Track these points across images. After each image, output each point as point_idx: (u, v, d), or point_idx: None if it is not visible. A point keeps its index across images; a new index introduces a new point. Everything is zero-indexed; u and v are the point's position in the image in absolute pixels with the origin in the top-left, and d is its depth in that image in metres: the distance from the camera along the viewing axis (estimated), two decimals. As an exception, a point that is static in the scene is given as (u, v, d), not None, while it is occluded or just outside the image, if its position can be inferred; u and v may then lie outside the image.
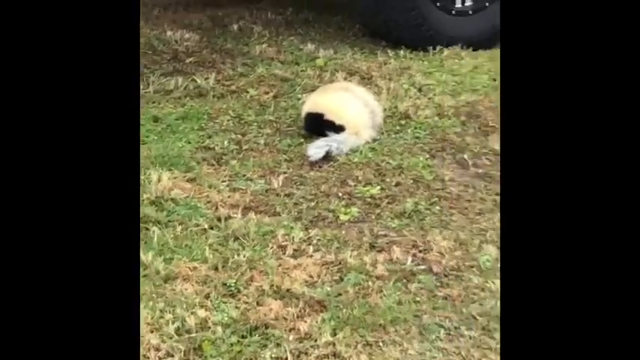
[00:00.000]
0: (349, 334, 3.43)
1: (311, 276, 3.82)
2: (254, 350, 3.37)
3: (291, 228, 4.19)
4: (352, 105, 5.21)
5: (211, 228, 4.20)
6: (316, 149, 4.92)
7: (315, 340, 3.41)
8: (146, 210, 4.32)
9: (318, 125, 5.07)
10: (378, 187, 4.60)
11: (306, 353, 3.36)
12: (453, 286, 3.76)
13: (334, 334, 3.44)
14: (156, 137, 5.21)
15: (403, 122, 5.39)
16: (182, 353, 3.34)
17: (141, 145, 5.10)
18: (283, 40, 6.80)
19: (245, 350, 3.36)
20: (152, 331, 3.45)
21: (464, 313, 3.59)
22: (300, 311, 3.57)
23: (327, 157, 4.88)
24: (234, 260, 3.91)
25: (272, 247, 4.04)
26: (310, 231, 4.18)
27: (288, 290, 3.71)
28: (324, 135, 5.01)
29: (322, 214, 4.36)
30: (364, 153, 4.98)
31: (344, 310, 3.57)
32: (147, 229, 4.19)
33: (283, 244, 4.07)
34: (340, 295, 3.69)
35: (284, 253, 4.00)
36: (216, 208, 4.38)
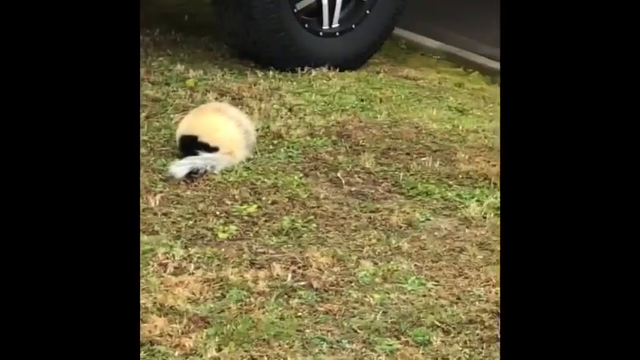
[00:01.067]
0: (234, 349, 3.51)
1: (193, 293, 3.87)
2: (141, 367, 3.40)
3: (171, 246, 4.25)
4: (226, 126, 5.29)
5: (91, 247, 4.21)
6: (178, 167, 4.99)
7: (201, 356, 3.48)
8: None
9: (193, 147, 5.13)
10: (255, 206, 4.68)
11: (192, 369, 3.41)
12: (333, 300, 3.87)
13: (219, 350, 3.51)
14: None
15: (276, 142, 5.49)
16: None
17: None
18: (152, 60, 6.82)
19: (132, 367, 3.39)
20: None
21: (345, 327, 3.70)
22: (184, 327, 3.63)
23: (193, 175, 4.94)
24: (116, 279, 3.93)
25: (153, 265, 4.08)
26: (190, 249, 4.24)
27: (171, 307, 3.76)
28: (199, 157, 5.09)
29: (201, 233, 4.42)
30: (239, 172, 5.05)
31: (228, 326, 3.64)
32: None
33: (164, 262, 4.12)
34: (223, 311, 3.76)
35: (165, 271, 4.05)
36: (95, 227, 4.39)
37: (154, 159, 5.21)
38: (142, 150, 5.31)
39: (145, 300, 3.80)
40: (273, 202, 4.74)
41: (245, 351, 3.51)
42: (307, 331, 3.66)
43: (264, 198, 4.77)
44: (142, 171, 5.04)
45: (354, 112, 5.98)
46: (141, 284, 3.90)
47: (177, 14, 7.89)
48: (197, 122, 5.30)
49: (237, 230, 4.45)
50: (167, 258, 4.14)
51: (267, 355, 3.50)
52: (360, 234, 4.46)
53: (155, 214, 4.58)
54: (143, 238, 4.31)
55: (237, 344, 3.53)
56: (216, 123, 5.29)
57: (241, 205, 4.70)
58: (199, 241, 4.34)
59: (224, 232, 4.42)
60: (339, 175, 5.09)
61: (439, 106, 6.19)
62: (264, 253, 4.25)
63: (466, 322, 3.71)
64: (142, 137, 5.47)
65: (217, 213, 4.60)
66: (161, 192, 4.81)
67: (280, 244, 4.32)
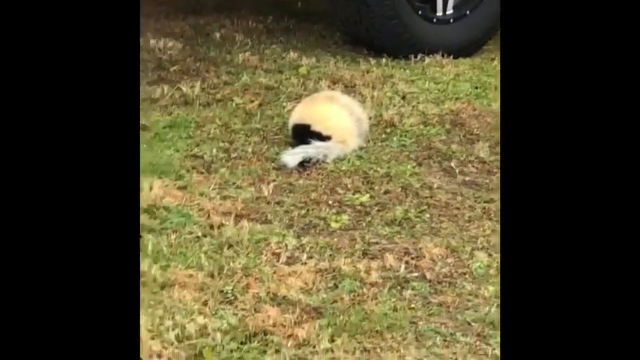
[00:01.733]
0: (347, 341, 3.49)
1: (306, 283, 3.87)
2: (254, 356, 3.42)
3: (284, 235, 4.25)
4: (338, 114, 5.27)
5: (205, 236, 4.24)
6: (291, 156, 4.99)
7: (314, 347, 3.47)
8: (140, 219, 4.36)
9: (306, 136, 5.13)
10: (368, 195, 4.66)
11: (305, 359, 3.40)
12: (446, 292, 3.83)
13: (332, 341, 3.49)
14: (145, 145, 5.23)
15: (388, 130, 5.45)
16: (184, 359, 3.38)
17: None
18: (265, 48, 6.84)
19: (245, 356, 3.41)
20: (153, 338, 3.49)
21: (459, 320, 3.65)
22: (297, 318, 3.63)
23: (306, 164, 4.94)
24: (230, 267, 3.96)
25: (266, 255, 4.09)
26: (302, 238, 4.23)
27: (284, 297, 3.76)
28: (312, 146, 5.09)
29: (313, 222, 4.41)
30: (352, 161, 5.03)
31: (340, 317, 3.62)
32: (140, 237, 4.22)
33: (277, 251, 4.12)
34: (336, 302, 3.75)
35: (278, 261, 4.05)
36: (209, 215, 4.42)
37: (266, 147, 5.22)
38: (255, 138, 5.34)
39: (258, 289, 3.81)
40: (386, 192, 4.71)
41: (358, 342, 3.50)
42: (420, 323, 3.63)
43: (376, 187, 4.75)
44: (254, 159, 5.07)
45: (468, 100, 5.91)
46: (254, 274, 3.92)
47: (291, 1, 7.90)
48: (309, 111, 5.29)
49: (349, 220, 4.43)
50: (280, 247, 4.14)
51: (379, 347, 3.47)
52: (474, 224, 4.40)
53: (268, 202, 4.59)
54: (256, 227, 4.32)
55: (350, 335, 3.52)
56: (328, 111, 5.28)
57: (354, 194, 4.68)
58: (312, 231, 4.33)
59: (336, 221, 4.41)
60: (452, 164, 5.04)
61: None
62: (376, 243, 4.22)
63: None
64: (256, 125, 5.50)
65: (330, 202, 4.59)
66: (274, 181, 4.82)
67: (393, 235, 4.29)
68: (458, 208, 4.58)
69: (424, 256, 4.08)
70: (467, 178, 4.91)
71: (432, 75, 6.35)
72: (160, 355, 3.40)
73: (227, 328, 3.56)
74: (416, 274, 3.96)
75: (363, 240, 4.24)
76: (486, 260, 4.03)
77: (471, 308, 3.73)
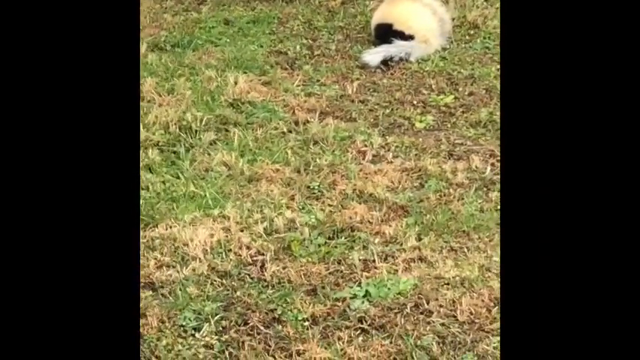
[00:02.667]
0: (434, 240, 3.48)
1: (392, 181, 3.85)
2: (341, 252, 3.42)
3: (369, 134, 4.22)
4: (421, 14, 5.20)
5: (290, 131, 4.24)
6: (372, 55, 4.94)
7: (401, 244, 3.46)
8: (225, 112, 4.36)
9: (388, 35, 5.07)
10: (452, 97, 4.61)
11: (392, 256, 3.41)
12: (532, 195, 3.78)
13: (419, 239, 3.49)
14: (228, 40, 5.22)
15: (472, 32, 5.37)
16: (272, 252, 3.40)
17: (214, 48, 5.13)
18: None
19: (333, 251, 3.42)
20: (242, 230, 3.51)
21: (545, 223, 3.62)
22: (384, 215, 3.62)
23: (389, 63, 4.89)
24: (316, 164, 3.95)
25: (351, 152, 4.07)
26: (388, 137, 4.21)
27: (370, 195, 3.75)
28: (394, 45, 5.03)
29: (398, 122, 4.38)
30: (435, 62, 4.98)
31: (427, 216, 3.61)
32: (227, 130, 4.23)
33: (362, 149, 4.10)
34: (422, 201, 3.73)
35: (364, 159, 4.03)
36: (294, 112, 4.41)
37: (349, 45, 5.18)
38: (338, 36, 5.29)
39: (344, 186, 3.80)
40: (470, 93, 4.65)
41: (445, 242, 3.49)
42: (507, 225, 3.59)
43: (460, 89, 4.69)
44: (338, 57, 5.03)
45: (552, 4, 5.78)
46: (340, 170, 3.91)
47: None
48: (392, 10, 5.22)
49: (434, 120, 4.40)
50: (365, 146, 4.13)
51: (466, 247, 3.46)
52: (560, 129, 4.34)
53: (352, 101, 4.57)
54: (341, 124, 4.31)
55: (436, 234, 3.51)
56: (411, 11, 5.20)
57: (438, 95, 4.64)
58: (397, 130, 4.31)
59: (421, 121, 4.38)
60: (537, 67, 4.96)
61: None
62: (462, 144, 4.19)
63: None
64: (338, 23, 5.45)
65: (414, 102, 4.55)
66: (358, 79, 4.79)
67: (478, 136, 4.25)
68: (543, 112, 4.51)
69: (510, 159, 4.03)
70: (551, 82, 4.83)
71: (515, -23, 6.21)
72: (249, 247, 3.42)
73: (315, 223, 3.56)
74: (502, 177, 3.92)
75: (449, 141, 4.21)
76: (573, 165, 3.98)
77: (557, 212, 3.69)
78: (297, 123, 4.30)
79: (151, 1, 5.79)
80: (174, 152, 4.08)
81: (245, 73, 4.75)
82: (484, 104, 4.54)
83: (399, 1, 5.33)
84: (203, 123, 4.25)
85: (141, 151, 3.98)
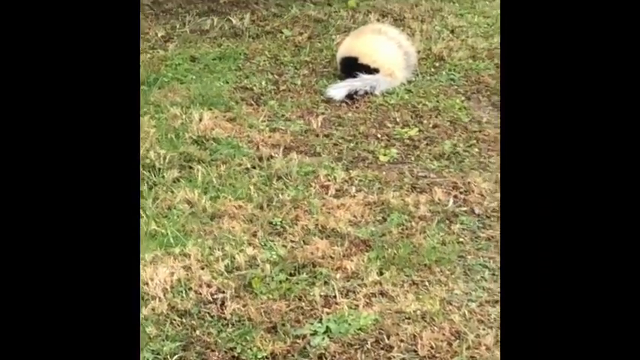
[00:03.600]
0: (395, 274, 3.46)
1: (355, 216, 3.83)
2: (303, 288, 3.40)
3: (333, 168, 4.21)
4: (386, 47, 5.20)
5: (254, 167, 4.22)
6: (337, 89, 4.94)
7: (362, 279, 3.44)
8: (189, 149, 4.34)
9: (354, 69, 5.06)
10: (416, 129, 4.60)
11: (354, 291, 3.38)
12: (495, 227, 3.77)
13: (381, 274, 3.46)
14: (194, 77, 5.21)
15: (437, 64, 5.37)
16: (233, 290, 3.37)
17: (180, 85, 5.11)
18: (315, -20, 6.75)
19: (294, 287, 3.39)
20: (202, 268, 3.48)
21: (507, 254, 3.59)
22: (346, 250, 3.60)
23: (354, 96, 4.89)
24: (279, 199, 3.93)
25: (315, 187, 4.05)
26: (351, 171, 4.19)
27: (333, 229, 3.73)
28: (360, 79, 5.03)
29: (362, 155, 4.37)
30: (400, 95, 4.97)
31: (389, 250, 3.59)
32: (190, 167, 4.21)
33: (326, 184, 4.08)
34: (384, 235, 3.71)
35: (327, 193, 4.01)
36: (258, 147, 4.39)
37: (315, 80, 5.17)
38: (304, 71, 5.29)
39: (306, 222, 3.78)
40: (435, 126, 4.65)
41: (406, 275, 3.46)
42: (469, 257, 3.58)
43: (425, 121, 4.69)
44: (303, 92, 5.02)
45: (517, 35, 5.79)
46: (303, 206, 3.89)
47: None
48: (357, 44, 5.21)
49: (398, 153, 4.38)
50: (329, 180, 4.11)
51: (428, 281, 3.44)
52: (523, 160, 4.33)
53: (317, 135, 4.55)
54: (305, 159, 4.29)
55: (398, 269, 3.49)
56: (376, 44, 5.21)
57: (402, 127, 4.63)
58: (360, 164, 4.29)
59: (385, 155, 4.36)
60: (501, 99, 4.96)
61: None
62: (425, 177, 4.17)
63: None
64: (305, 58, 5.45)
65: (378, 135, 4.54)
66: (323, 113, 4.78)
67: (442, 169, 4.24)
68: (507, 143, 4.50)
69: (473, 191, 4.03)
70: (516, 113, 4.83)
71: (480, 9, 6.25)
72: (209, 285, 3.39)
73: (276, 260, 3.54)
74: (464, 209, 3.91)
75: (412, 174, 4.19)
76: (535, 195, 3.97)
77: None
78: (260, 159, 4.28)
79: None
80: (137, 191, 4.05)
81: (210, 109, 4.74)
82: (448, 136, 4.53)
83: (364, 34, 5.34)
84: (167, 161, 4.22)
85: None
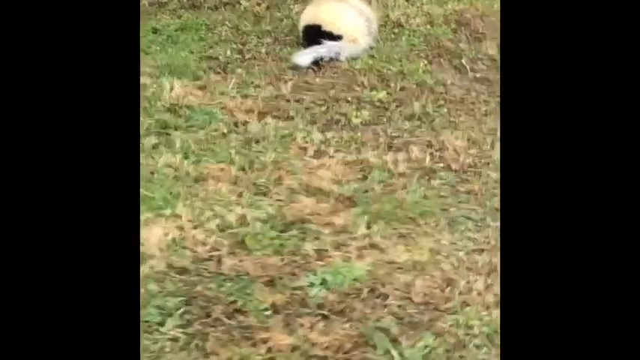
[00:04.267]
0: (383, 227, 3.56)
1: (336, 175, 3.92)
2: (295, 243, 3.48)
3: (308, 131, 4.29)
4: (348, 14, 5.29)
5: (230, 132, 4.28)
6: (303, 56, 5.02)
7: (352, 233, 3.53)
8: (164, 116, 4.39)
9: (317, 36, 5.14)
10: (384, 92, 4.70)
11: (345, 245, 3.47)
12: (472, 181, 3.89)
13: (369, 227, 3.56)
14: (158, 47, 5.25)
15: (396, 30, 5.48)
16: (227, 247, 3.44)
17: (145, 56, 5.15)
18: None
19: (286, 243, 3.47)
20: (195, 228, 3.54)
21: (487, 206, 3.72)
22: (332, 207, 3.68)
23: (319, 62, 4.97)
24: (260, 161, 4.01)
25: (293, 150, 4.13)
26: (327, 134, 4.28)
27: (317, 188, 3.81)
28: (323, 46, 5.11)
29: (335, 118, 4.46)
30: (364, 60, 5.07)
31: (374, 205, 3.69)
32: (167, 134, 4.26)
33: (303, 145, 4.17)
34: (367, 191, 3.81)
35: (305, 155, 4.10)
36: (232, 113, 4.46)
37: (279, 48, 5.25)
38: (267, 40, 5.35)
39: (290, 182, 3.86)
40: (402, 89, 4.75)
41: (394, 229, 3.56)
42: (452, 209, 3.70)
43: (392, 85, 4.79)
44: (269, 60, 5.09)
45: (470, 1, 5.93)
46: (284, 167, 3.97)
47: None
48: (320, 12, 5.30)
49: (370, 115, 4.48)
50: (306, 142, 4.19)
51: (415, 233, 3.54)
52: (491, 117, 4.46)
53: (288, 100, 4.63)
54: (280, 123, 4.36)
55: (385, 222, 3.58)
56: (338, 11, 5.30)
57: (371, 91, 4.72)
58: (335, 126, 4.38)
59: (357, 117, 4.46)
60: (463, 61, 5.08)
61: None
62: (399, 137, 4.28)
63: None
64: (266, 27, 5.51)
65: (349, 99, 4.64)
66: (291, 79, 4.85)
67: (414, 129, 4.35)
68: (473, 103, 4.63)
69: (447, 148, 4.14)
70: (478, 75, 4.96)
71: (432, -23, 6.35)
72: (204, 243, 3.45)
73: (265, 218, 3.61)
74: (441, 165, 4.02)
75: (386, 134, 4.29)
76: (509, 150, 4.09)
77: (497, 195, 3.80)
78: (236, 124, 4.35)
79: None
80: (118, 157, 4.09)
81: (179, 79, 4.79)
82: (416, 98, 4.64)
83: (326, 2, 5.42)
84: (144, 127, 4.27)
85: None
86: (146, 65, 5.00)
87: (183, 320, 3.10)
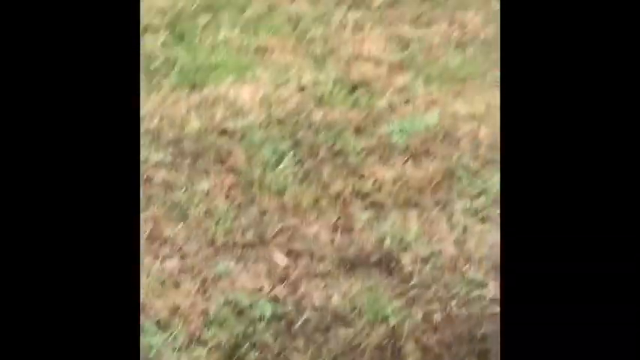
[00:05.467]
0: (439, 86, 4.09)
1: (380, 46, 4.41)
2: (366, 101, 3.97)
3: (343, 12, 4.75)
4: None
5: (272, 11, 4.69)
6: None
7: (413, 92, 4.04)
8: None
9: None
10: (393, -21, 5.16)
11: (410, 101, 3.99)
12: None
13: (426, 87, 4.06)
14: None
15: None
16: (312, 104, 3.90)
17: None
18: None
19: (360, 99, 3.96)
20: (276, 88, 3.98)
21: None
22: (388, 71, 4.19)
23: None
24: (311, 35, 4.46)
25: (334, 25, 4.58)
26: (355, 13, 4.75)
27: (368, 56, 4.30)
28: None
29: (356, 1, 4.92)
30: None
31: (425, 69, 4.20)
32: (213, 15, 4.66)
33: (343, 23, 4.61)
34: (414, 59, 4.30)
35: (345, 31, 4.56)
36: (265, -3, 4.85)
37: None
38: None
39: (342, 52, 4.32)
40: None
41: (448, 87, 4.07)
42: (489, 73, 4.21)
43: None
44: None
45: None
46: (333, 39, 4.42)
47: None
48: None
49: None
50: (342, 22, 4.64)
51: (469, 90, 4.05)
52: None
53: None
54: (309, 7, 4.80)
55: (439, 82, 4.09)
56: None
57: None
58: (361, 6, 4.84)
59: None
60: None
61: None
62: (422, 14, 4.76)
63: None
64: None
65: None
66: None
67: (433, 8, 4.84)
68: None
69: (468, 25, 4.68)
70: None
71: None
72: (289, 101, 3.90)
73: (335, 79, 4.07)
74: (470, 37, 4.54)
75: (410, 13, 4.78)
76: None
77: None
78: (272, 6, 4.78)
79: None
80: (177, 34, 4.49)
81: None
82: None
83: None
84: (193, 7, 4.66)
85: (146, 35, 4.39)
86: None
87: (295, 160, 3.57)
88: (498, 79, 3.73)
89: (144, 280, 2.91)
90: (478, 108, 3.92)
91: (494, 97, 4.00)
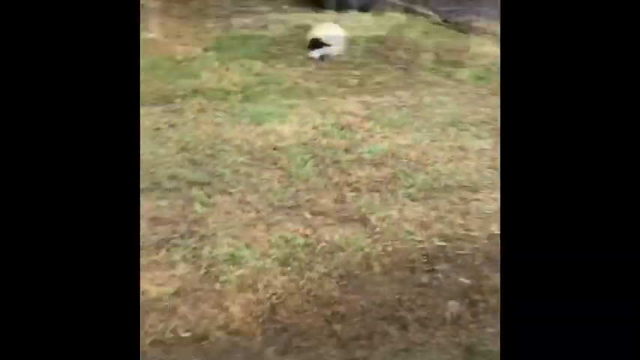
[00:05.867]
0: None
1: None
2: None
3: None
4: (334, 32, 5.83)
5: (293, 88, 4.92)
6: (314, 53, 5.47)
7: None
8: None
9: (318, 44, 5.62)
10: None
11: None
12: None
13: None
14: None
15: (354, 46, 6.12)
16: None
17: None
18: None
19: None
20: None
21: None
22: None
23: (323, 57, 5.55)
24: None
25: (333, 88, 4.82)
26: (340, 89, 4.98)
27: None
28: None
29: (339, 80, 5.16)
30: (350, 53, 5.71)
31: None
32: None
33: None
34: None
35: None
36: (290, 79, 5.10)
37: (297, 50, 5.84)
38: (289, 48, 5.90)
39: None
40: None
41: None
42: None
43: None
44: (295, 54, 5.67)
45: None
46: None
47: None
48: (319, 31, 5.89)
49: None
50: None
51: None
52: None
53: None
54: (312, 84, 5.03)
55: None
56: (329, 32, 5.90)
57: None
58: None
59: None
60: None
61: None
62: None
63: None
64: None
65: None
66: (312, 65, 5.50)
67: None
68: None
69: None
70: None
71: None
72: (307, 133, 4.16)
73: (332, 123, 4.32)
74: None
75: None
76: None
77: None
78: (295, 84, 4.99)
79: None
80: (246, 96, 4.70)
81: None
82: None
83: (322, 26, 5.99)
84: (255, 81, 4.86)
85: (229, 97, 4.59)
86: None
87: (313, 164, 3.80)
88: (423, 125, 4.04)
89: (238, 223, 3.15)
90: (409, 141, 4.20)
91: (420, 135, 4.27)
